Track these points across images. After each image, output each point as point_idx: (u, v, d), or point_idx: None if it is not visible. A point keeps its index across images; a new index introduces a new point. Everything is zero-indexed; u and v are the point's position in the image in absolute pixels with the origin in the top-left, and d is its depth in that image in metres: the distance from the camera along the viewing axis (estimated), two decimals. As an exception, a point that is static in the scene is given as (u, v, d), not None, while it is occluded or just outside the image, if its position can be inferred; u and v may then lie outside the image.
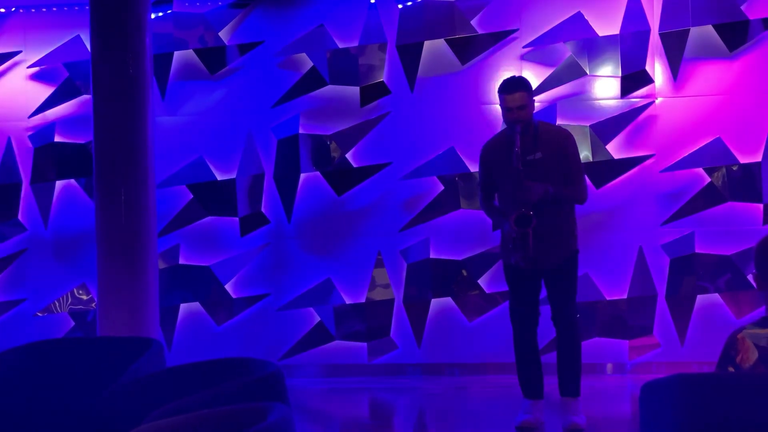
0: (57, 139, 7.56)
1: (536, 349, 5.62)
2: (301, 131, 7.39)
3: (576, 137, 7.07)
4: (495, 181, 5.53)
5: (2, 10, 7.62)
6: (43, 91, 7.59)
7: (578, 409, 5.54)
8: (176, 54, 7.49)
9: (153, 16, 7.08)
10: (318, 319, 7.40)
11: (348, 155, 7.36)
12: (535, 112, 7.32)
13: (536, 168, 5.37)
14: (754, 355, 2.96)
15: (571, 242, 5.51)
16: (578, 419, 5.50)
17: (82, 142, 7.51)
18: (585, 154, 7.12)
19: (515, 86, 5.43)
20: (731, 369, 2.99)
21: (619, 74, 7.15)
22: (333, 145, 7.38)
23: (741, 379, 2.92)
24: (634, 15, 7.15)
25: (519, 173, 5.30)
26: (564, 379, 5.54)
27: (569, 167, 5.44)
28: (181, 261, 7.47)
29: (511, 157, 5.40)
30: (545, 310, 5.76)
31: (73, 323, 7.53)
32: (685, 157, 7.10)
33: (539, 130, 5.46)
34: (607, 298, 7.16)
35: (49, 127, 7.57)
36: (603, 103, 7.22)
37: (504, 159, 5.45)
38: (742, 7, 7.03)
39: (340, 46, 7.38)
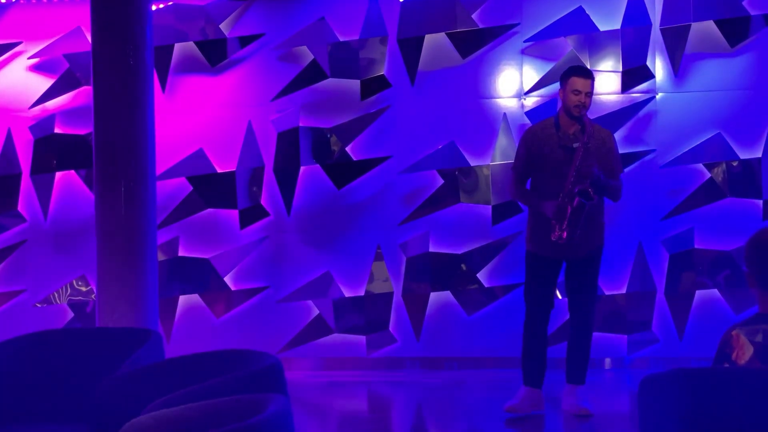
0: (57, 130, 7.56)
1: (545, 338, 5.72)
2: (301, 124, 7.38)
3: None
4: (534, 165, 5.58)
5: (3, 0, 7.61)
6: (44, 83, 7.59)
7: (586, 396, 5.62)
8: (177, 46, 7.48)
9: (154, 7, 7.07)
10: (317, 312, 7.40)
11: (348, 148, 7.35)
12: (536, 107, 7.37)
13: (577, 156, 5.45)
14: (749, 352, 2.97)
15: (599, 236, 5.60)
16: (588, 405, 5.57)
17: (83, 133, 7.50)
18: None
19: (590, 72, 5.62)
20: (727, 366, 3.00)
21: (620, 69, 7.14)
22: (333, 138, 7.38)
23: (739, 374, 2.92)
24: (636, 10, 7.14)
25: (586, 150, 5.39)
26: (573, 367, 5.65)
27: (611, 163, 5.55)
28: (181, 253, 7.48)
29: (557, 143, 5.48)
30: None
31: (72, 314, 7.54)
32: (685, 153, 7.10)
33: (586, 124, 5.53)
34: (606, 293, 7.16)
35: (50, 119, 7.57)
36: (604, 98, 7.22)
37: (550, 144, 5.52)
38: (744, 3, 7.02)
39: (341, 39, 7.37)
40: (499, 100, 7.27)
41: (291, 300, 7.40)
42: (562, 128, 5.55)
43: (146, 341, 4.21)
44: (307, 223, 7.43)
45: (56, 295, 7.57)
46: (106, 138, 6.00)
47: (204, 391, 3.27)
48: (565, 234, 5.36)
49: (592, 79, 5.56)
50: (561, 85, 5.60)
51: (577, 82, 5.49)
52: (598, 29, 7.16)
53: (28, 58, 7.60)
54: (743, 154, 7.04)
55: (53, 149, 7.54)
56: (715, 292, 7.08)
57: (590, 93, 5.51)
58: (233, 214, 7.44)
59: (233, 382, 3.37)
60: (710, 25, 7.06)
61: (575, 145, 5.46)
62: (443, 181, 7.26)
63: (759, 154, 7.02)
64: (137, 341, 4.22)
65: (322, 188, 7.40)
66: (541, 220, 5.53)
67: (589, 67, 7.15)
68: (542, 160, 5.54)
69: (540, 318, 5.65)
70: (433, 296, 7.31)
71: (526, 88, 7.21)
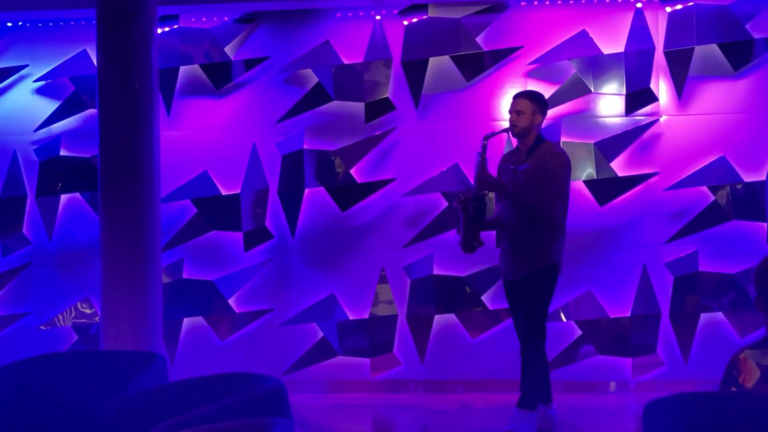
0: (62, 152, 7.58)
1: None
2: (305, 147, 7.40)
3: (580, 154, 7.15)
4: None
5: (9, 24, 7.65)
6: (49, 105, 7.61)
7: (523, 421, 5.53)
8: (182, 69, 7.51)
9: (159, 30, 7.11)
10: (321, 334, 7.39)
11: (352, 171, 7.37)
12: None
13: (518, 177, 5.56)
14: (756, 375, 2.96)
15: (541, 257, 5.59)
16: (513, 428, 5.53)
17: (88, 156, 7.52)
18: (589, 171, 7.13)
19: (522, 93, 5.82)
20: (734, 389, 2.99)
21: (624, 92, 7.16)
22: (337, 161, 7.39)
23: (744, 399, 2.91)
24: (639, 33, 7.17)
25: (516, 176, 5.58)
26: (521, 390, 5.62)
27: (536, 182, 5.55)
28: (185, 275, 7.48)
29: (510, 164, 5.66)
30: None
31: (76, 337, 7.53)
32: (689, 176, 7.10)
33: (539, 147, 5.64)
34: (611, 316, 7.15)
35: (55, 141, 7.59)
36: (607, 120, 7.23)
37: (505, 165, 5.71)
38: (747, 26, 7.04)
39: (346, 62, 7.40)
40: (503, 123, 7.27)
41: (295, 322, 7.40)
42: (516, 150, 5.76)
43: (150, 364, 4.21)
44: (312, 245, 7.43)
45: (61, 317, 7.57)
46: (111, 160, 6.02)
47: (208, 415, 3.27)
48: (460, 240, 5.67)
49: (525, 98, 5.70)
50: None
51: (510, 105, 5.72)
52: (601, 52, 7.18)
53: (34, 81, 7.63)
54: (747, 177, 7.04)
55: (58, 171, 7.56)
56: (720, 315, 7.07)
57: (520, 111, 5.63)
58: (237, 237, 7.45)
59: (237, 406, 3.37)
60: (713, 48, 7.08)
61: (521, 168, 5.59)
62: (447, 204, 7.27)
63: (763, 177, 7.02)
64: (141, 364, 4.22)
65: (326, 210, 7.41)
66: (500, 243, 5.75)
67: (592, 89, 7.18)
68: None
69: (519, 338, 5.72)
70: (438, 319, 7.30)
71: (530, 110, 7.21)
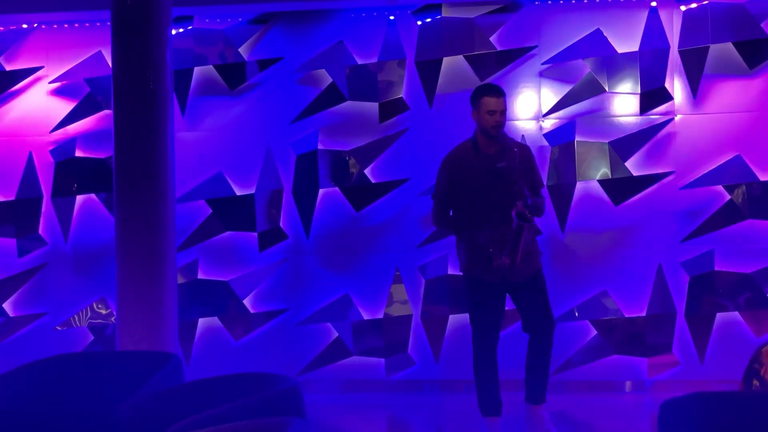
0: (78, 153, 7.61)
1: (495, 365, 5.62)
2: (319, 147, 7.41)
3: (595, 154, 7.15)
4: (458, 192, 5.50)
5: (25, 26, 7.68)
6: (65, 107, 7.65)
7: (546, 417, 5.52)
8: (196, 69, 7.53)
9: (174, 32, 7.13)
10: (336, 334, 7.40)
11: (366, 171, 7.37)
12: (554, 129, 7.37)
13: (503, 176, 5.40)
14: (777, 370, 2.96)
15: (537, 259, 5.57)
16: (551, 428, 5.49)
17: (103, 156, 7.55)
18: (604, 170, 7.11)
19: (502, 90, 5.52)
20: (756, 382, 2.99)
21: (638, 91, 7.14)
22: (352, 161, 7.40)
23: (759, 398, 2.91)
24: (654, 32, 7.15)
25: (509, 169, 5.35)
26: (536, 387, 5.55)
27: (533, 178, 5.52)
28: (200, 276, 7.50)
29: (480, 166, 5.42)
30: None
31: (92, 337, 7.57)
32: (704, 175, 7.08)
33: (504, 143, 5.50)
34: (626, 316, 7.13)
35: (70, 142, 7.62)
36: (622, 119, 7.21)
37: (473, 168, 5.45)
38: (762, 24, 7.02)
39: (359, 62, 7.41)
40: (517, 123, 7.27)
41: (310, 322, 7.41)
42: (481, 150, 5.46)
43: (166, 364, 4.23)
44: (326, 245, 7.44)
45: (76, 318, 7.60)
46: (126, 161, 6.05)
47: (223, 415, 3.28)
48: (507, 260, 5.33)
49: (504, 96, 5.48)
50: (473, 106, 5.48)
51: (490, 102, 5.39)
52: (616, 51, 7.17)
53: (50, 83, 7.67)
54: (763, 176, 7.02)
55: (74, 172, 7.59)
56: (736, 314, 7.04)
57: (504, 111, 5.42)
58: (252, 237, 7.46)
59: (252, 406, 3.38)
60: (728, 47, 7.06)
61: (499, 165, 5.40)
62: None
63: (779, 176, 7.00)
64: (157, 364, 4.24)
65: (340, 211, 7.42)
66: (479, 248, 5.46)
67: (607, 89, 7.16)
68: (466, 185, 5.45)
69: (490, 349, 5.57)
70: (452, 318, 7.30)
71: (545, 110, 7.22)
